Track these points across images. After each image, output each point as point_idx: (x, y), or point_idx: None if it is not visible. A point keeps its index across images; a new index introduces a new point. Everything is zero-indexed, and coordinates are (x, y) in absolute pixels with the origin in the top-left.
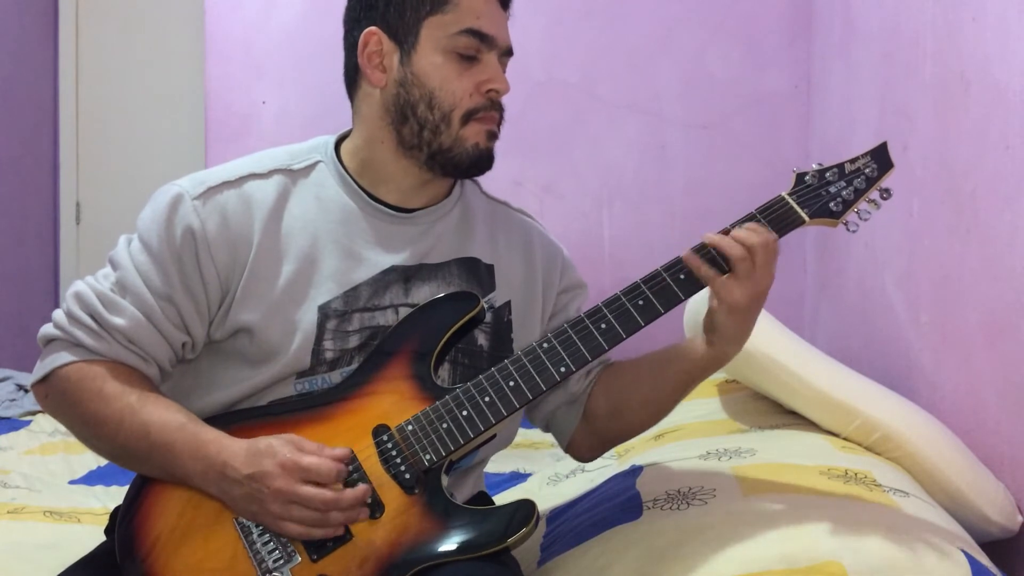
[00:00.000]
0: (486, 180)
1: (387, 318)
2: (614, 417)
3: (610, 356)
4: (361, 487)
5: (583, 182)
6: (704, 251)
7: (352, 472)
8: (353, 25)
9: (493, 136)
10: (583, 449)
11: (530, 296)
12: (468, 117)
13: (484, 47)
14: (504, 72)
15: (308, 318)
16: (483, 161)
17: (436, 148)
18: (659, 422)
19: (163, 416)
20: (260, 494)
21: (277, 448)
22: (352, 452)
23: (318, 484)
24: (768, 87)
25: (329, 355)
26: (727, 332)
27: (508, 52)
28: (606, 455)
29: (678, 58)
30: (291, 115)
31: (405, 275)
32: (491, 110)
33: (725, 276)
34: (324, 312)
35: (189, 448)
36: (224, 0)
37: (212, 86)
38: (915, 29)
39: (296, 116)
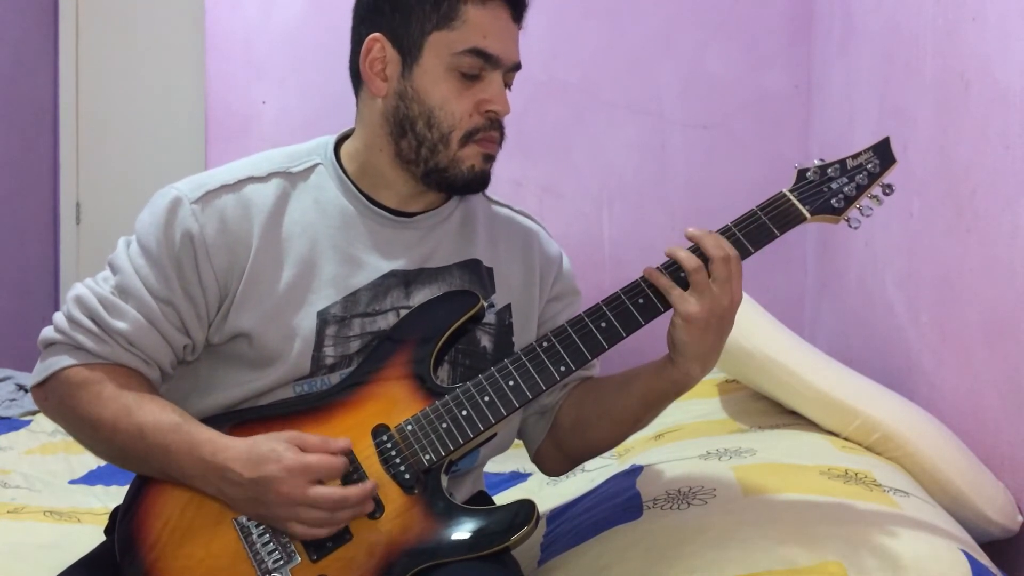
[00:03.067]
0: None
1: (388, 322)
2: (576, 431)
3: (594, 371)
4: (368, 482)
5: (583, 182)
6: (670, 264)
7: (352, 472)
8: (359, 23)
9: (490, 158)
10: (548, 462)
11: (529, 299)
12: (467, 138)
13: (488, 67)
14: (511, 85)
15: (307, 324)
16: (477, 183)
17: (432, 166)
18: (621, 442)
19: (157, 417)
20: (265, 497)
21: (281, 452)
22: (350, 443)
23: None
24: (768, 87)
25: (330, 360)
26: (686, 349)
27: (516, 67)
28: (606, 455)
29: (678, 58)
30: (291, 115)
31: (405, 279)
32: (491, 130)
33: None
34: (323, 318)
35: (184, 449)
36: (224, 0)
37: (212, 86)
38: (915, 29)
39: (296, 116)
